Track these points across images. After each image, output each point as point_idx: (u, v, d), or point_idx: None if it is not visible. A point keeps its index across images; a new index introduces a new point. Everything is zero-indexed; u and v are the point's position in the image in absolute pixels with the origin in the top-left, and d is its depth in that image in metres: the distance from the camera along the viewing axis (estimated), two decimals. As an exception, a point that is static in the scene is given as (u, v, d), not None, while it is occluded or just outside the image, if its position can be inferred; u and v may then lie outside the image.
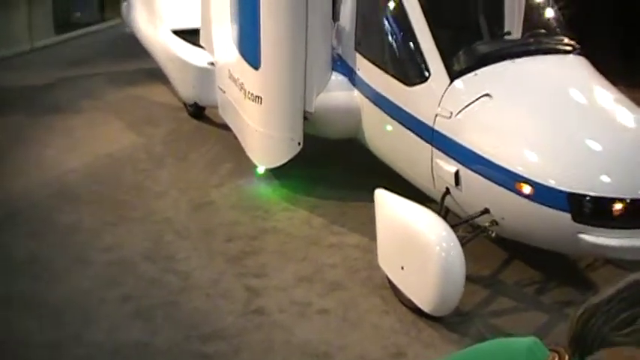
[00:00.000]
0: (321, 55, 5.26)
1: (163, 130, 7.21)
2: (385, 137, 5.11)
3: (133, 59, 8.86)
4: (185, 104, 7.46)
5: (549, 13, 5.20)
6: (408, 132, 4.72)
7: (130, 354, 3.90)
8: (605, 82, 4.54)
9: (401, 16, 4.84)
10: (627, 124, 4.27)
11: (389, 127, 4.94)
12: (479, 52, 4.70)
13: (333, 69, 5.39)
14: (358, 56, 5.24)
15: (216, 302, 4.35)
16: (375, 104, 5.09)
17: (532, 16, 5.15)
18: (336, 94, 5.34)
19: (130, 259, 4.82)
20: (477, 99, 4.33)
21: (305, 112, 5.25)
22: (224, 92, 6.21)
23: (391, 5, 4.99)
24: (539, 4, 5.30)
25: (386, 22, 5.05)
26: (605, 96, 4.45)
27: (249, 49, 5.43)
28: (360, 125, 5.34)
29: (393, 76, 4.90)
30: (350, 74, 5.34)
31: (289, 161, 5.38)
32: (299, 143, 5.26)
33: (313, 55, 5.13)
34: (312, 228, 5.27)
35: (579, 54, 4.78)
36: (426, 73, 4.61)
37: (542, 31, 5.10)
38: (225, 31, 6.00)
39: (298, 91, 5.17)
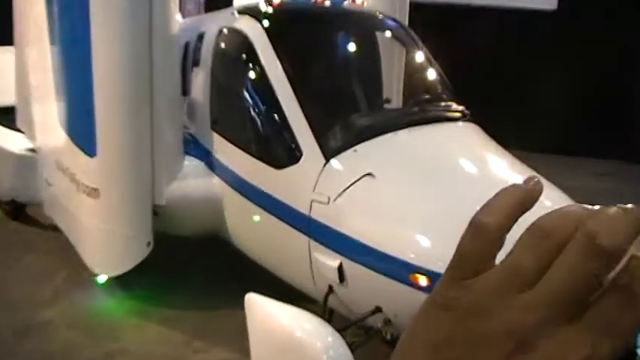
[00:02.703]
0: (170, 136, 4.94)
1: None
2: (253, 231, 4.76)
3: None
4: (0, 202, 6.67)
5: (432, 76, 5.08)
6: (280, 223, 4.37)
7: None
8: (500, 149, 4.43)
9: (264, 88, 4.57)
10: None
11: (257, 219, 4.58)
12: (357, 126, 4.46)
13: (186, 152, 5.07)
14: (216, 136, 4.94)
15: None
16: (239, 192, 4.76)
17: (414, 81, 5.03)
18: (191, 182, 5.02)
19: None
20: (357, 180, 4.01)
21: (154, 205, 4.86)
22: (50, 185, 5.67)
23: (252, 76, 4.73)
24: (420, 65, 5.16)
25: (247, 96, 4.85)
26: (502, 165, 4.29)
27: (82, 132, 4.96)
28: (222, 218, 4.97)
29: (258, 158, 4.62)
30: (207, 158, 5.03)
31: (137, 266, 4.84)
32: (148, 243, 4.83)
33: (160, 136, 4.79)
34: (171, 346, 4.72)
35: (469, 120, 4.65)
36: (297, 153, 4.31)
37: (427, 97, 5.00)
38: (49, 111, 5.50)
39: (144, 180, 4.80)
